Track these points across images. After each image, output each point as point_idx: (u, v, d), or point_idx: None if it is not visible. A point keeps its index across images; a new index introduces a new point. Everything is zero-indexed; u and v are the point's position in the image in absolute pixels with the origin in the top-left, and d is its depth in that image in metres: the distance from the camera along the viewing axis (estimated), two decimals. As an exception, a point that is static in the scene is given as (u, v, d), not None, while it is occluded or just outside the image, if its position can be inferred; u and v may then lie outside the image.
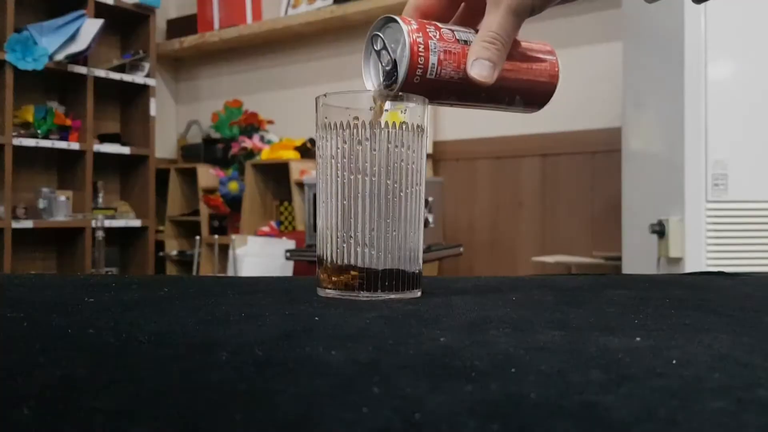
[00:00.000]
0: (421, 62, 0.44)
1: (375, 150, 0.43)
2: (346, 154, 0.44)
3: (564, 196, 2.39)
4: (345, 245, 0.44)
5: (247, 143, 2.93)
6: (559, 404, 0.21)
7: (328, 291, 0.45)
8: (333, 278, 0.45)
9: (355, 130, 0.44)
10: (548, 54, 0.52)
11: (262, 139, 2.99)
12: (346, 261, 0.44)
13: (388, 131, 0.44)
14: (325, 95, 0.45)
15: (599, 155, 2.31)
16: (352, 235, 0.44)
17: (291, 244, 2.36)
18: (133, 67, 3.19)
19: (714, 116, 1.37)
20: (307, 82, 3.11)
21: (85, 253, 2.94)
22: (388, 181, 0.44)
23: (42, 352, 0.28)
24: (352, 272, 0.44)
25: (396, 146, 0.44)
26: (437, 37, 0.45)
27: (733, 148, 1.37)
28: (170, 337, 0.31)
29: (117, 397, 0.22)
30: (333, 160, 0.44)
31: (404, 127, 0.44)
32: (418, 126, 0.45)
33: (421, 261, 0.46)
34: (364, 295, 0.44)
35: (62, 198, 2.93)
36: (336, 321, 0.36)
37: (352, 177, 0.44)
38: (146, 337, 0.31)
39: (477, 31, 0.46)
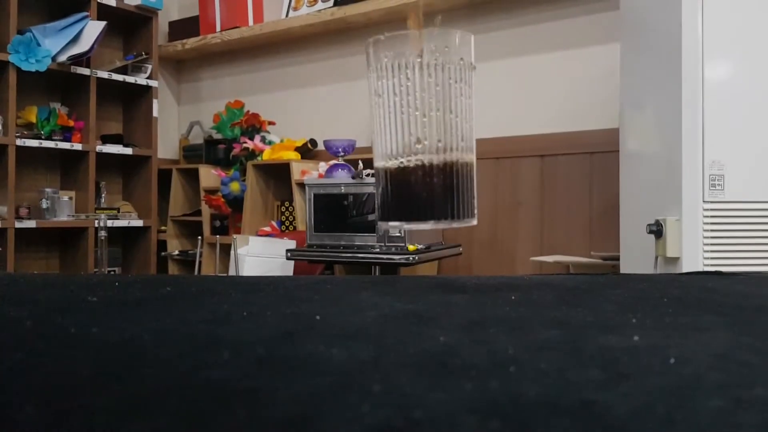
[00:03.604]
0: None
1: (438, 86, 0.45)
2: (410, 91, 0.45)
3: (562, 196, 2.39)
4: (407, 178, 0.45)
5: (249, 144, 2.93)
6: (558, 402, 0.21)
7: (392, 223, 0.46)
8: (397, 210, 0.45)
9: (415, 69, 0.45)
10: None
11: (263, 139, 2.99)
12: (408, 192, 0.44)
13: (451, 68, 0.45)
14: (383, 36, 0.46)
15: (597, 156, 2.31)
16: (413, 170, 0.45)
17: (292, 243, 2.36)
18: (136, 69, 3.20)
19: (711, 117, 1.37)
20: (308, 84, 3.11)
21: (87, 253, 2.95)
22: (450, 116, 0.45)
23: (45, 351, 0.29)
24: (416, 204, 0.45)
25: (456, 81, 0.45)
26: None
27: (730, 148, 1.37)
28: (173, 336, 0.32)
29: (120, 395, 0.22)
30: (396, 98, 0.45)
31: (461, 63, 0.45)
32: (470, 63, 0.47)
33: (475, 191, 0.47)
34: (430, 224, 0.45)
35: (65, 198, 2.94)
36: (337, 320, 0.36)
37: (417, 113, 0.45)
38: (149, 336, 0.31)
39: None
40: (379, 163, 0.47)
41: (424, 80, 0.45)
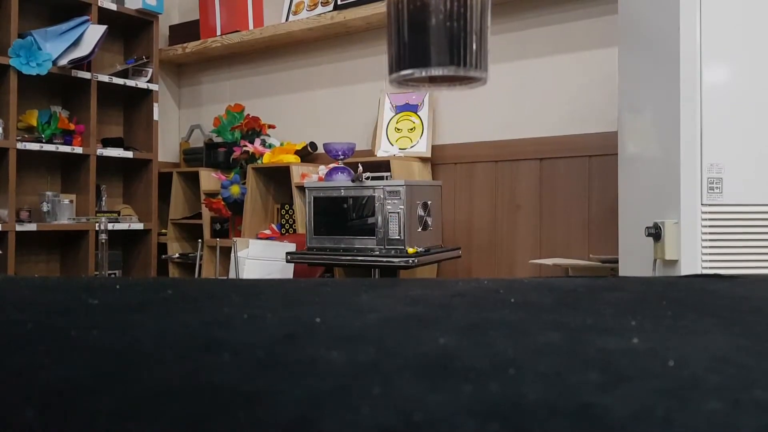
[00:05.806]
0: None
1: None
2: None
3: (561, 199, 2.39)
4: (422, 11, 0.44)
5: (249, 147, 2.93)
6: (557, 405, 0.22)
7: (404, 72, 0.44)
8: (410, 49, 0.44)
9: None
10: None
11: (263, 143, 2.99)
12: (424, 24, 0.43)
13: None
14: None
15: (596, 159, 2.31)
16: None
17: (291, 246, 2.36)
18: (136, 72, 3.20)
19: (709, 120, 1.37)
20: (308, 87, 3.12)
21: (88, 256, 2.95)
22: None
23: (46, 354, 0.29)
24: (432, 39, 0.43)
25: None
26: None
27: (728, 151, 1.37)
28: (173, 339, 0.32)
29: (120, 398, 0.22)
30: None
31: None
32: None
33: (488, 41, 0.45)
34: (442, 70, 0.43)
35: (66, 201, 2.94)
36: (337, 322, 0.36)
37: None
38: (149, 339, 0.31)
39: None
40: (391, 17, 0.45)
41: None
